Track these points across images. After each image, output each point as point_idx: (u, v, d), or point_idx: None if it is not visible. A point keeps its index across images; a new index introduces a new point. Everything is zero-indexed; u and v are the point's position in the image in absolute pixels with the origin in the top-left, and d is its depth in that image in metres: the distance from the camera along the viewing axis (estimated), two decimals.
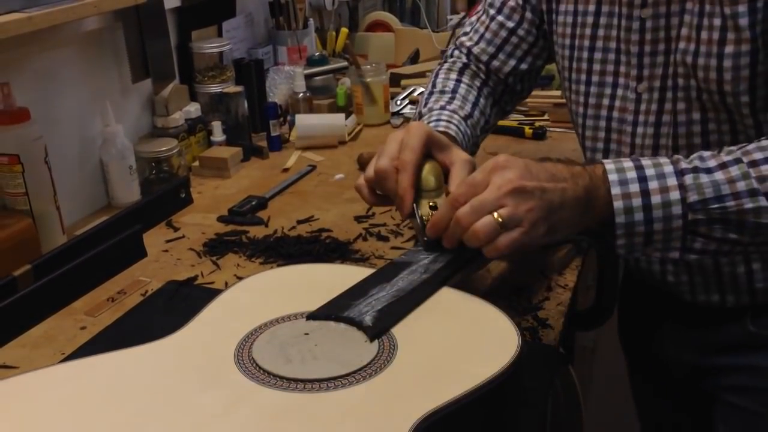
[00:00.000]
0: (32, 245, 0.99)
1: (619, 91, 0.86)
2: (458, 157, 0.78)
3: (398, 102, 1.63)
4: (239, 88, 1.42)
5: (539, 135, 1.44)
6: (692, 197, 0.66)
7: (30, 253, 0.96)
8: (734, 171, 0.66)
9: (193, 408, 0.55)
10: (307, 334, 0.65)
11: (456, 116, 0.91)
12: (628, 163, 0.68)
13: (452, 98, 0.96)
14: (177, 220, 1.15)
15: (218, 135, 1.40)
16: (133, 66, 1.26)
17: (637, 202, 0.66)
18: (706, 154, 0.69)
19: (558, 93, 1.56)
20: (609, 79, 0.86)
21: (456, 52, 1.03)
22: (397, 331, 0.65)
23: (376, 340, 0.64)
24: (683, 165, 0.67)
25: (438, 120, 0.90)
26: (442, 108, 0.93)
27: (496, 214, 0.66)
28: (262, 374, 0.59)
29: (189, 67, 1.44)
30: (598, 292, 1.05)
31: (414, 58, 1.90)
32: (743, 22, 0.73)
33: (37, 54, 1.10)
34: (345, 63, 1.67)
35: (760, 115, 0.76)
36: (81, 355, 0.75)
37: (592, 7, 0.86)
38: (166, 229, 1.12)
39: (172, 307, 0.89)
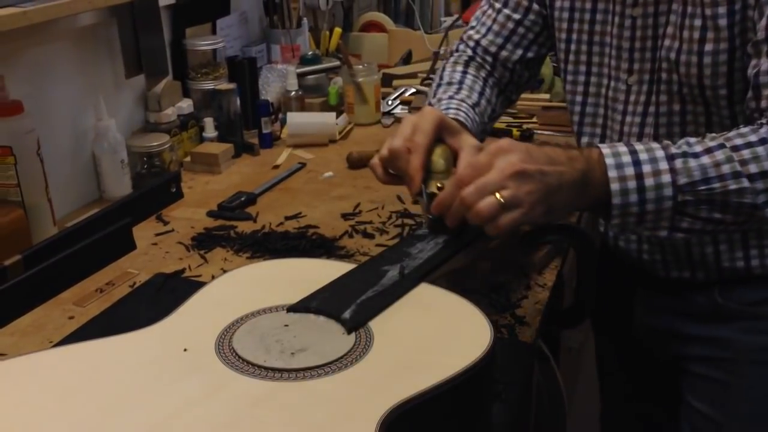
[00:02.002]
0: (23, 236, 1.01)
1: (612, 83, 0.92)
2: (467, 142, 0.83)
3: (389, 102, 1.65)
4: (232, 86, 1.44)
5: (526, 137, 1.46)
6: (682, 180, 0.70)
7: (21, 244, 0.98)
8: (719, 155, 0.71)
9: (172, 394, 0.57)
10: (287, 325, 0.67)
11: (464, 104, 0.96)
12: (622, 148, 0.72)
13: (459, 89, 1.00)
14: (167, 214, 1.17)
15: (210, 131, 1.41)
16: (126, 61, 1.28)
17: (632, 184, 0.71)
18: (693, 140, 0.73)
19: (546, 96, 1.58)
20: (605, 70, 0.93)
21: (461, 47, 1.07)
22: (375, 324, 0.67)
23: (354, 333, 0.66)
24: (673, 150, 0.72)
25: (448, 108, 0.95)
26: (451, 97, 0.97)
27: (498, 195, 0.69)
28: (241, 363, 0.61)
29: (183, 64, 1.45)
30: (578, 290, 1.07)
31: (407, 59, 1.92)
32: (722, 22, 0.78)
33: (31, 48, 1.12)
34: (338, 62, 1.69)
35: (737, 106, 0.82)
36: (67, 344, 0.77)
37: (588, 5, 0.92)
38: (156, 223, 1.14)
39: (159, 299, 0.90)
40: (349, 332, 0.66)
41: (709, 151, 0.72)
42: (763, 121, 0.74)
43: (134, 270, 1.00)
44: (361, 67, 1.59)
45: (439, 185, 0.81)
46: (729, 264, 0.89)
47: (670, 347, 0.97)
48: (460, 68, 1.04)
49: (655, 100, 0.87)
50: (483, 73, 1.04)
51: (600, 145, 0.74)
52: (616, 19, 0.89)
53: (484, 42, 1.04)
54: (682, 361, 0.96)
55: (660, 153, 0.72)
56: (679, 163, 0.71)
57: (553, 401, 1.28)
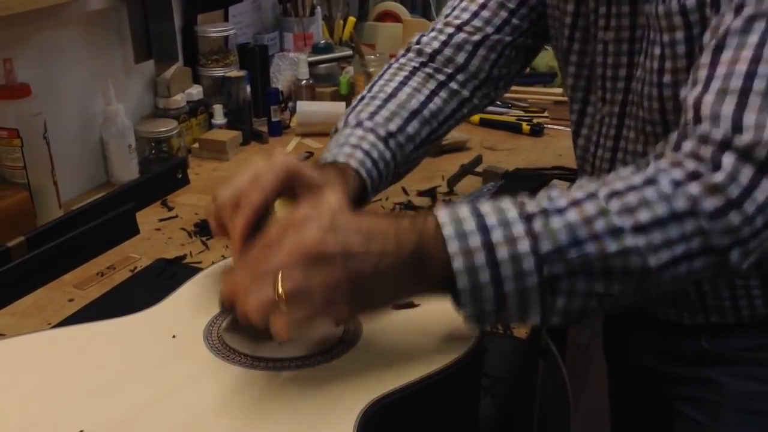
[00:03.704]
0: (28, 218, 1.02)
1: (589, 108, 0.84)
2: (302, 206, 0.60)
3: None
4: (242, 73, 1.44)
5: (536, 132, 1.45)
6: (545, 247, 0.54)
7: (25, 226, 0.99)
8: (590, 209, 0.55)
9: (157, 379, 0.58)
10: None
11: (372, 136, 0.80)
12: (464, 212, 0.56)
13: (381, 107, 0.83)
14: (172, 200, 1.18)
15: (219, 118, 1.42)
16: (136, 46, 1.29)
17: (480, 259, 0.54)
18: (554, 192, 0.58)
19: (559, 90, 1.57)
20: (579, 95, 0.85)
21: (410, 54, 0.90)
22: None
23: (342, 325, 0.66)
24: (529, 209, 0.56)
25: (343, 145, 0.79)
26: (359, 124, 0.81)
27: (279, 288, 0.52)
28: (228, 352, 0.62)
29: (193, 50, 1.46)
30: None
31: None
32: (680, 50, 0.68)
33: (40, 32, 1.12)
34: (350, 52, 1.69)
35: None
36: (65, 326, 0.78)
37: (568, 20, 0.81)
38: (160, 208, 1.15)
39: (159, 284, 0.91)
40: (337, 324, 0.66)
41: (576, 203, 0.55)
42: (654, 158, 0.59)
43: (136, 255, 1.00)
44: (372, 57, 1.58)
45: None
46: (714, 302, 0.79)
47: (662, 387, 0.91)
48: (400, 77, 0.87)
49: (626, 135, 0.77)
50: (431, 85, 0.87)
51: (438, 211, 0.57)
52: (594, 43, 0.79)
53: (467, 28, 0.88)
54: (674, 401, 0.89)
55: (512, 213, 0.55)
56: (538, 224, 0.54)
57: (558, 398, 1.28)
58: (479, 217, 0.55)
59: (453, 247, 0.54)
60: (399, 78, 0.87)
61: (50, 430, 0.53)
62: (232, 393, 0.56)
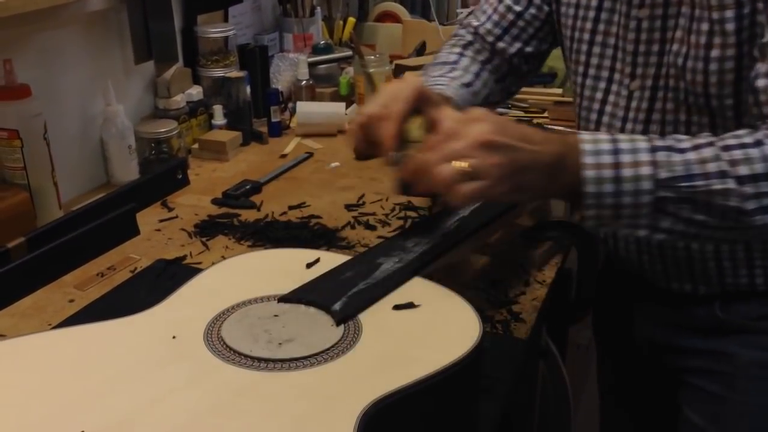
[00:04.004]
0: (28, 219, 1.02)
1: (614, 86, 0.88)
2: (446, 113, 0.77)
3: None
4: (242, 73, 1.44)
5: None
6: (662, 174, 0.66)
7: (25, 226, 0.99)
8: (707, 152, 0.67)
9: (157, 380, 0.58)
10: (276, 315, 0.67)
11: (455, 82, 0.94)
12: (603, 136, 0.69)
13: (453, 69, 0.98)
14: (172, 200, 1.18)
15: (219, 119, 1.42)
16: (136, 47, 1.29)
17: (608, 173, 0.67)
18: (682, 136, 0.70)
19: (559, 91, 1.57)
20: (604, 73, 0.88)
21: (462, 31, 1.04)
22: (364, 317, 0.67)
23: (343, 325, 0.66)
24: (657, 143, 0.68)
25: (435, 84, 0.92)
26: (441, 75, 0.95)
27: (462, 163, 0.66)
28: (228, 352, 0.62)
29: (193, 51, 1.46)
30: (578, 287, 1.06)
31: (420, 50, 1.91)
32: (729, 27, 0.74)
33: (40, 33, 1.12)
34: (350, 53, 1.69)
35: (744, 119, 0.78)
36: (66, 327, 0.78)
37: (594, 2, 0.88)
38: (160, 209, 1.15)
39: (159, 285, 0.91)
40: (338, 324, 0.66)
41: (696, 147, 0.68)
42: (764, 125, 0.70)
43: (136, 255, 1.00)
44: (372, 57, 1.58)
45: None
46: (732, 280, 0.85)
47: (669, 359, 0.94)
48: (457, 50, 1.02)
49: (661, 107, 0.83)
50: (481, 57, 1.02)
51: (581, 132, 0.71)
52: (622, 20, 0.84)
53: (482, 30, 1.01)
54: (682, 373, 0.93)
55: (643, 144, 0.68)
56: (662, 155, 0.67)
57: (558, 398, 1.28)
58: (614, 141, 0.68)
59: (588, 159, 0.67)
60: (457, 50, 1.02)
61: (51, 431, 0.53)
62: (232, 394, 0.56)
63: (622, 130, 0.87)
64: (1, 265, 0.89)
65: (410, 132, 0.79)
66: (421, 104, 0.80)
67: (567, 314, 1.20)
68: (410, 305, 0.69)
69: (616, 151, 0.67)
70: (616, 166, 0.67)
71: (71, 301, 0.90)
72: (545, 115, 1.53)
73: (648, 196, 0.67)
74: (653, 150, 0.67)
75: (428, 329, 0.66)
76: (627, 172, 0.66)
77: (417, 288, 0.73)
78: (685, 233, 0.69)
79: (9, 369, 0.61)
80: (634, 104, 0.85)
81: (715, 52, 0.76)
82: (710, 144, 0.68)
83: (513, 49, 1.00)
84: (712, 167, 0.66)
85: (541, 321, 0.89)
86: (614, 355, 1.10)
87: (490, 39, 1.01)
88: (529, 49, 1.00)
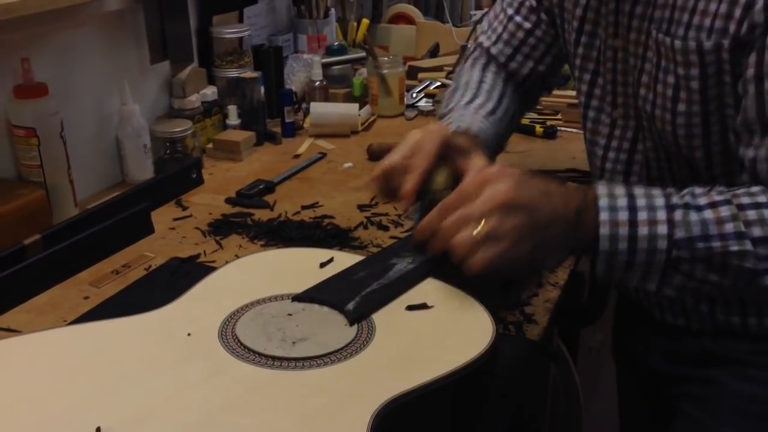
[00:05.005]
0: (44, 216, 1.03)
1: (593, 114, 0.87)
2: (474, 164, 0.76)
3: (414, 95, 1.65)
4: (256, 74, 1.45)
5: (550, 134, 1.45)
6: (679, 234, 0.65)
7: (41, 224, 1.00)
8: (724, 211, 0.65)
9: (172, 377, 0.58)
10: (290, 314, 0.68)
11: (479, 114, 0.91)
12: (620, 190, 0.67)
13: (476, 94, 0.95)
14: (186, 199, 1.19)
15: (233, 119, 1.42)
16: (152, 47, 1.30)
17: (623, 231, 0.65)
18: (698, 190, 0.68)
19: (573, 93, 1.56)
20: (594, 102, 0.87)
21: (478, 50, 1.02)
22: (378, 317, 0.67)
23: (356, 325, 0.66)
24: (674, 200, 0.67)
25: (461, 119, 0.89)
26: (467, 104, 0.93)
27: (479, 228, 0.65)
28: (243, 350, 0.62)
29: (208, 51, 1.47)
30: (590, 290, 1.06)
31: (433, 52, 1.92)
32: (694, 85, 0.72)
33: (58, 32, 1.13)
34: (363, 54, 1.69)
35: (715, 170, 0.76)
36: (81, 323, 0.78)
37: (576, 24, 0.86)
38: (175, 208, 1.16)
39: (173, 283, 0.92)
40: (351, 324, 0.66)
41: (713, 205, 0.66)
42: None
43: (150, 253, 1.01)
44: (386, 58, 1.58)
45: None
46: (724, 318, 0.83)
47: (663, 387, 0.92)
48: (477, 70, 0.99)
49: (642, 148, 0.82)
50: (502, 76, 0.99)
51: (598, 184, 0.69)
52: (602, 47, 0.83)
53: (493, 50, 0.99)
54: (675, 400, 0.90)
55: (660, 201, 0.66)
56: (678, 214, 0.65)
57: (570, 401, 1.28)
58: (630, 197, 0.66)
59: (604, 216, 0.66)
60: (477, 71, 0.99)
61: (66, 427, 0.54)
62: (245, 391, 0.57)
63: (604, 159, 0.86)
64: (17, 261, 0.90)
65: (435, 183, 0.77)
66: (449, 154, 0.78)
67: (579, 317, 1.20)
68: (423, 306, 0.69)
69: (632, 208, 0.66)
70: (632, 224, 0.65)
71: (86, 298, 0.91)
72: (558, 117, 1.53)
73: (662, 255, 0.65)
74: (670, 208, 0.66)
75: (441, 330, 0.66)
76: (642, 231, 0.65)
77: (430, 289, 0.73)
78: (697, 290, 0.68)
79: (25, 364, 0.61)
80: (617, 132, 0.84)
81: (681, 107, 0.74)
82: (727, 202, 0.66)
83: (526, 70, 0.98)
84: (729, 228, 0.65)
85: (552, 323, 0.89)
86: (624, 382, 1.09)
87: (502, 60, 0.99)
88: (541, 67, 0.98)
